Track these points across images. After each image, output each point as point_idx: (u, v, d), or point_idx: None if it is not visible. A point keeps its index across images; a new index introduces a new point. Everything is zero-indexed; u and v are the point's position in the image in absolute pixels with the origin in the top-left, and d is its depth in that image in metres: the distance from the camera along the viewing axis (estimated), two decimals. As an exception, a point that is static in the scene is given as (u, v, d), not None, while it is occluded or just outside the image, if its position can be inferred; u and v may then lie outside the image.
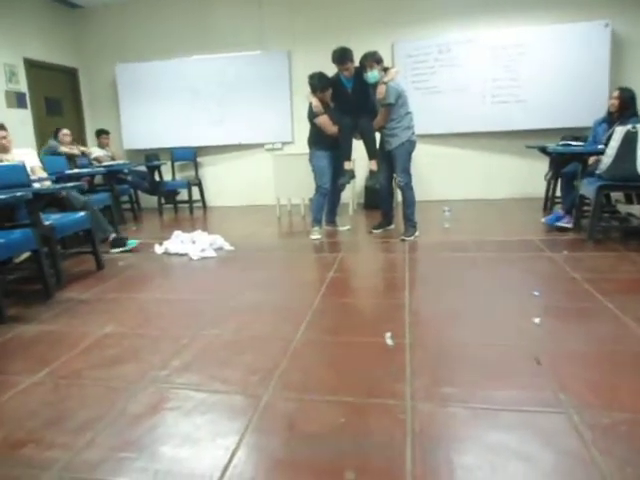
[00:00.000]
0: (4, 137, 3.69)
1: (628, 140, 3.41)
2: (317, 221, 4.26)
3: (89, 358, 2.01)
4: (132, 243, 3.97)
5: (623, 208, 4.17)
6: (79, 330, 2.33)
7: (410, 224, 4.01)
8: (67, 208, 3.61)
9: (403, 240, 3.92)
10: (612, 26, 5.32)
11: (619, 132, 3.48)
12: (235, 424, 1.50)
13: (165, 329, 2.30)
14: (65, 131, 5.45)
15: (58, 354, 2.04)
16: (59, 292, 2.94)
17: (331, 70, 3.99)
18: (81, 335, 2.25)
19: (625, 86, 4.14)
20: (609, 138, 3.57)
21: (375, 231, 4.28)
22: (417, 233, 4.01)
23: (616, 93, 4.03)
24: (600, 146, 3.73)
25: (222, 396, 1.67)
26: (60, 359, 2.00)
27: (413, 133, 3.95)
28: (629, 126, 3.47)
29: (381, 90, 3.76)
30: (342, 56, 3.83)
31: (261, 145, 6.50)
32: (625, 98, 3.95)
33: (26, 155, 4.04)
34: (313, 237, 4.17)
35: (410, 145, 3.93)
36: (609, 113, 4.10)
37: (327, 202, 4.33)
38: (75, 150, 5.47)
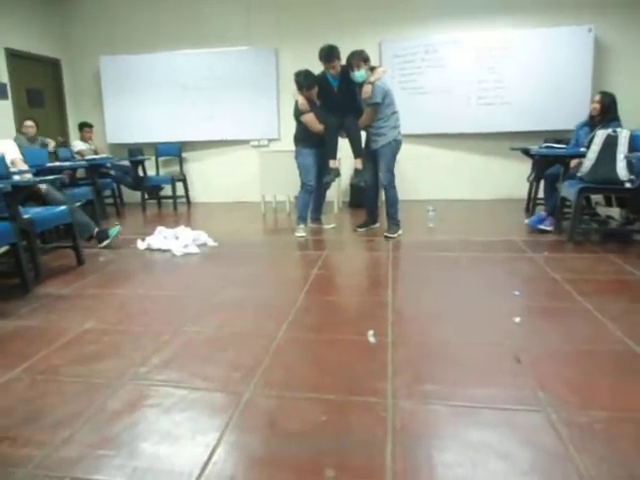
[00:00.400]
0: None
1: (609, 144, 3.48)
2: (302, 219, 4.25)
3: (68, 354, 1.98)
4: (113, 232, 3.87)
5: (603, 210, 4.24)
6: (58, 326, 2.29)
7: (393, 222, 4.03)
8: (47, 204, 3.54)
9: (386, 237, 3.94)
10: (595, 31, 5.40)
11: (600, 136, 3.54)
12: (215, 421, 1.49)
13: (146, 325, 2.27)
14: (28, 123, 5.28)
15: (36, 350, 2.01)
16: (38, 287, 2.89)
17: (318, 68, 3.98)
18: (60, 331, 2.21)
19: (606, 90, 4.22)
20: (590, 141, 3.63)
21: (360, 229, 4.30)
22: (400, 232, 4.04)
23: (597, 97, 4.10)
24: (582, 149, 3.79)
25: (203, 393, 1.66)
26: (38, 355, 1.96)
27: (399, 133, 3.97)
28: (610, 130, 3.53)
29: (367, 90, 3.77)
30: (329, 54, 3.82)
31: (247, 141, 6.47)
32: (606, 102, 4.02)
33: (6, 147, 3.96)
34: (298, 234, 4.16)
35: (396, 144, 3.95)
36: (591, 117, 4.17)
37: (312, 200, 4.32)
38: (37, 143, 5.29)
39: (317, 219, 4.46)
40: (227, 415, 1.51)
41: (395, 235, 3.98)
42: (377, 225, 4.35)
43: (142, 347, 2.02)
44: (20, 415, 1.54)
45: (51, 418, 1.52)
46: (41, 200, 3.55)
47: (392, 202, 4.03)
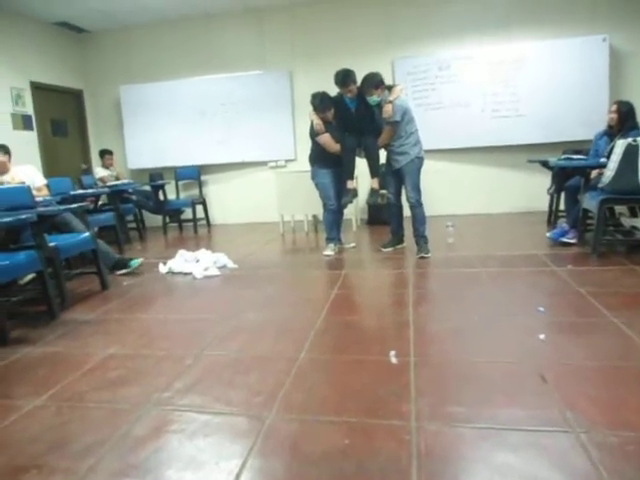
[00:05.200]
0: (4, 162, 3.74)
1: (629, 153, 3.42)
2: (330, 239, 4.27)
3: (92, 380, 2.00)
4: (135, 263, 3.88)
5: (627, 221, 4.16)
6: (83, 351, 2.33)
7: (424, 240, 3.95)
8: (66, 232, 3.60)
9: (422, 257, 3.86)
10: (610, 40, 5.37)
11: (620, 145, 3.48)
12: (238, 447, 1.49)
13: (169, 350, 2.29)
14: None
15: (61, 376, 2.04)
16: (64, 313, 2.95)
17: (332, 88, 4.03)
18: (85, 357, 2.25)
19: (623, 99, 4.17)
20: (610, 151, 3.58)
21: (385, 249, 4.22)
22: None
23: (614, 107, 4.05)
24: (602, 159, 3.74)
25: (226, 418, 1.66)
26: (63, 381, 1.99)
27: (421, 149, 3.95)
28: (630, 139, 3.47)
29: (388, 109, 3.77)
30: (345, 79, 3.83)
31: (264, 163, 6.55)
32: (624, 111, 3.96)
33: (26, 172, 4.07)
34: (325, 253, 4.19)
35: (419, 161, 3.93)
36: (609, 126, 4.11)
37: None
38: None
39: (339, 240, 4.41)
40: (250, 440, 1.51)
41: (430, 254, 3.90)
42: (404, 244, 4.30)
43: (165, 372, 2.04)
44: (46, 443, 1.56)
45: (77, 445, 1.54)
46: (61, 228, 3.62)
47: (421, 220, 3.96)
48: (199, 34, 6.45)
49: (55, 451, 1.51)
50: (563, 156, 4.34)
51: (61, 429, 1.64)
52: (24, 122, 5.73)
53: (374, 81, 3.79)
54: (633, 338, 2.10)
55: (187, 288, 3.52)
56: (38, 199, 3.60)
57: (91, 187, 5.46)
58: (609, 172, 3.49)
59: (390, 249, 4.23)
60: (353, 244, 4.47)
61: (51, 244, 2.99)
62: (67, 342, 2.49)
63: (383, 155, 4.14)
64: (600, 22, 5.44)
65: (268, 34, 6.30)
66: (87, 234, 3.46)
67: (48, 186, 4.29)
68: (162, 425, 1.63)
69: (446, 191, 6.07)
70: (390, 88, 3.90)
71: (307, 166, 4.34)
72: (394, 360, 2.01)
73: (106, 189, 5.30)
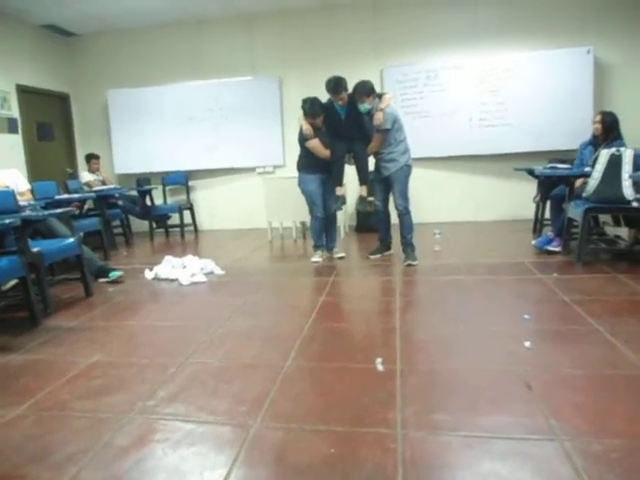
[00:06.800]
0: None
1: (613, 163, 3.47)
2: (316, 246, 4.27)
3: (75, 388, 1.97)
4: (114, 275, 3.77)
5: (611, 230, 4.22)
6: (66, 359, 2.29)
7: (411, 248, 3.97)
8: (50, 237, 3.55)
9: (410, 265, 3.87)
10: (594, 52, 5.47)
11: (604, 155, 3.54)
12: (223, 457, 1.47)
13: (153, 357, 2.26)
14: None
15: (43, 385, 2.00)
16: (46, 320, 2.90)
17: (322, 95, 4.04)
18: (67, 364, 2.21)
19: (607, 110, 4.24)
20: (595, 161, 3.63)
21: (372, 256, 4.23)
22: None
23: (598, 117, 4.12)
24: (586, 169, 3.79)
25: (210, 427, 1.64)
26: (45, 390, 1.96)
27: (410, 157, 3.98)
28: (613, 149, 3.53)
29: (379, 116, 3.79)
30: (336, 86, 3.84)
31: (253, 169, 6.54)
32: (607, 122, 4.02)
33: (11, 177, 4.01)
34: (313, 260, 4.20)
35: (408, 169, 3.95)
36: (594, 136, 4.18)
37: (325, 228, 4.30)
38: None
39: (331, 249, 4.37)
40: (235, 450, 1.49)
41: (417, 262, 3.91)
42: (391, 252, 4.31)
43: (149, 380, 2.01)
44: (28, 453, 1.53)
45: (58, 455, 1.51)
46: (45, 234, 3.57)
47: (408, 228, 3.98)
48: (189, 39, 6.45)
49: (36, 461, 1.48)
50: (549, 165, 4.39)
51: (43, 439, 1.61)
52: (9, 125, 5.66)
53: (366, 89, 3.81)
54: (617, 346, 2.12)
55: (173, 295, 3.49)
56: (22, 204, 3.55)
57: (77, 192, 5.39)
58: (593, 181, 3.54)
59: (378, 256, 4.24)
60: (342, 254, 4.35)
61: (35, 249, 2.95)
62: (50, 349, 2.45)
63: (372, 162, 4.16)
64: (584, 34, 5.55)
65: (258, 40, 6.31)
66: (72, 240, 3.42)
67: (32, 191, 4.23)
68: (146, 434, 1.61)
69: (434, 199, 6.11)
70: (380, 96, 3.92)
71: (296, 172, 4.34)
72: (380, 368, 2.01)
73: (92, 194, 5.24)
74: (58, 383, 2.02)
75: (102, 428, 1.65)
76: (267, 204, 5.51)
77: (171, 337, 2.55)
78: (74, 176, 6.43)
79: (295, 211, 5.12)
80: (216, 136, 6.48)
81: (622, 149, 3.52)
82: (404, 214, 3.97)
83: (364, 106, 3.83)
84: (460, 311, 2.79)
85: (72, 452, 1.52)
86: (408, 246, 3.98)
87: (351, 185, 4.78)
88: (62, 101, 6.66)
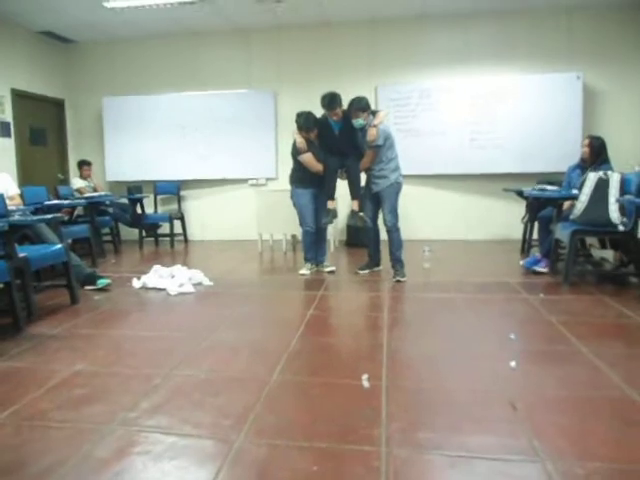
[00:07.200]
0: None
1: (600, 187, 3.53)
2: (306, 259, 4.30)
3: (56, 398, 1.94)
4: (102, 283, 3.74)
5: (597, 253, 4.27)
6: (48, 367, 2.26)
7: (400, 264, 3.99)
8: (38, 242, 3.52)
9: (399, 281, 3.89)
10: (583, 78, 5.60)
11: (591, 179, 3.60)
12: (204, 471, 1.45)
13: (138, 368, 2.24)
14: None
15: (24, 393, 1.97)
16: (30, 326, 2.86)
17: (316, 110, 4.08)
18: (50, 373, 2.18)
19: (595, 134, 4.32)
20: (582, 184, 3.69)
21: (362, 272, 4.24)
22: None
23: (586, 141, 4.19)
24: (574, 191, 3.85)
25: (193, 440, 1.62)
26: (25, 399, 1.92)
27: (400, 174, 4.02)
28: (601, 173, 3.59)
29: (372, 133, 3.83)
30: (331, 102, 3.88)
31: (245, 180, 6.55)
32: (595, 146, 4.09)
33: (1, 181, 3.98)
34: (300, 272, 4.22)
35: (398, 186, 3.99)
36: (582, 160, 4.24)
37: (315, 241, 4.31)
38: None
39: (321, 262, 4.38)
40: (217, 465, 1.47)
41: (406, 278, 3.93)
42: (380, 268, 4.32)
43: (132, 391, 1.99)
44: (3, 463, 1.50)
45: (35, 467, 1.47)
46: (33, 239, 3.53)
47: (397, 244, 4.00)
48: (186, 50, 6.49)
49: (12, 472, 1.45)
50: (537, 186, 4.45)
51: (20, 449, 1.58)
52: (2, 129, 5.63)
53: (361, 105, 3.86)
54: (601, 368, 2.14)
55: (160, 304, 3.46)
56: (11, 208, 3.52)
57: (67, 198, 5.36)
58: (580, 204, 3.59)
59: (367, 272, 4.24)
60: (332, 268, 4.36)
61: (21, 255, 2.92)
62: (32, 357, 2.41)
63: (364, 177, 4.19)
64: (574, 60, 5.68)
65: (255, 54, 6.37)
66: (59, 246, 3.39)
67: (21, 196, 4.20)
68: (126, 446, 1.58)
69: (425, 216, 6.16)
70: (374, 113, 3.97)
71: (288, 185, 4.35)
72: (366, 384, 2.00)
73: (82, 200, 5.21)
74: (39, 392, 1.99)
75: (82, 439, 1.62)
76: (258, 216, 5.52)
77: (157, 348, 2.53)
78: (65, 182, 6.39)
79: (286, 224, 5.13)
80: (209, 147, 6.49)
81: (609, 173, 3.58)
82: (393, 231, 3.99)
83: (358, 122, 3.87)
84: (447, 329, 2.79)
85: (50, 463, 1.49)
86: (397, 262, 4.00)
87: (342, 199, 4.80)
88: (56, 107, 6.64)
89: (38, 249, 3.28)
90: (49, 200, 4.73)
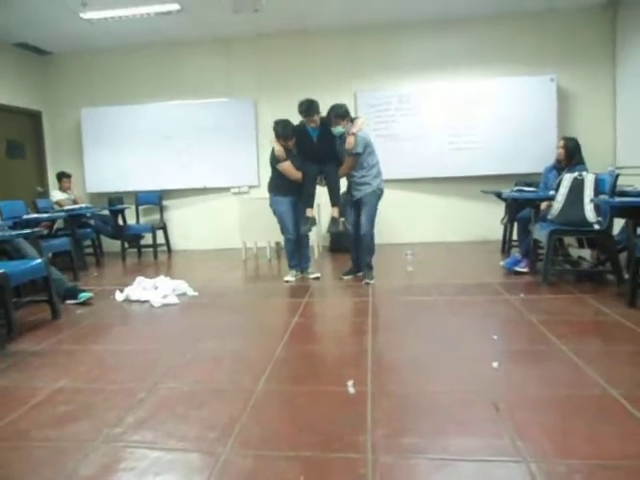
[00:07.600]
0: None
1: (575, 187, 3.61)
2: (290, 267, 4.32)
3: (39, 416, 1.91)
4: (84, 296, 3.69)
5: (575, 252, 4.35)
6: (30, 385, 2.23)
7: (370, 268, 4.10)
8: (16, 258, 3.47)
9: (368, 284, 3.96)
10: (557, 81, 5.72)
11: (567, 179, 3.69)
12: (191, 485, 1.45)
13: (121, 382, 2.22)
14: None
15: (5, 412, 1.94)
16: (11, 343, 2.82)
17: (296, 118, 4.09)
18: (32, 391, 2.15)
19: (570, 136, 4.42)
20: (559, 184, 3.77)
21: (345, 277, 4.28)
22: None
23: (561, 143, 4.29)
24: (551, 192, 3.93)
25: (178, 454, 1.62)
26: (6, 418, 1.89)
27: (382, 181, 4.06)
28: (576, 174, 3.68)
29: (350, 141, 3.85)
30: (309, 109, 3.90)
31: (227, 189, 6.54)
32: (570, 147, 4.19)
33: None
34: (285, 279, 4.24)
35: (380, 193, 4.04)
36: (558, 161, 4.34)
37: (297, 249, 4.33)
38: None
39: (305, 269, 4.40)
40: (203, 478, 1.47)
41: (374, 280, 4.03)
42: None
43: (116, 406, 1.97)
44: (-15, 486, 1.48)
45: (18, 488, 1.46)
46: (12, 254, 3.48)
47: (371, 250, 4.09)
48: (166, 61, 6.46)
49: (-7, 495, 1.43)
50: (515, 188, 4.53)
51: (2, 470, 1.55)
52: (-23, 143, 5.54)
53: (340, 112, 3.89)
54: (581, 366, 2.18)
55: (144, 317, 3.43)
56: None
57: (47, 211, 5.29)
58: (557, 204, 3.67)
59: (350, 277, 4.27)
60: (317, 274, 4.38)
61: (0, 270, 2.87)
62: (13, 374, 2.37)
63: (344, 184, 4.21)
64: (547, 63, 5.81)
65: (235, 63, 6.37)
66: (39, 260, 3.34)
67: (-1, 210, 4.14)
68: (111, 463, 1.57)
69: (406, 220, 6.21)
70: (353, 120, 3.99)
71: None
72: (352, 390, 2.01)
73: (62, 213, 5.14)
74: (20, 411, 1.96)
75: (66, 458, 1.61)
76: (241, 224, 5.51)
77: (140, 361, 2.51)
78: (45, 195, 6.30)
79: (269, 231, 5.12)
80: (191, 156, 6.47)
81: (584, 173, 3.67)
82: (367, 237, 4.05)
83: (338, 129, 3.90)
84: (431, 332, 2.83)
85: (33, 484, 1.47)
86: (367, 266, 4.10)
87: (323, 207, 4.83)
88: (34, 119, 6.56)
89: (17, 264, 3.23)
90: (28, 214, 4.67)
